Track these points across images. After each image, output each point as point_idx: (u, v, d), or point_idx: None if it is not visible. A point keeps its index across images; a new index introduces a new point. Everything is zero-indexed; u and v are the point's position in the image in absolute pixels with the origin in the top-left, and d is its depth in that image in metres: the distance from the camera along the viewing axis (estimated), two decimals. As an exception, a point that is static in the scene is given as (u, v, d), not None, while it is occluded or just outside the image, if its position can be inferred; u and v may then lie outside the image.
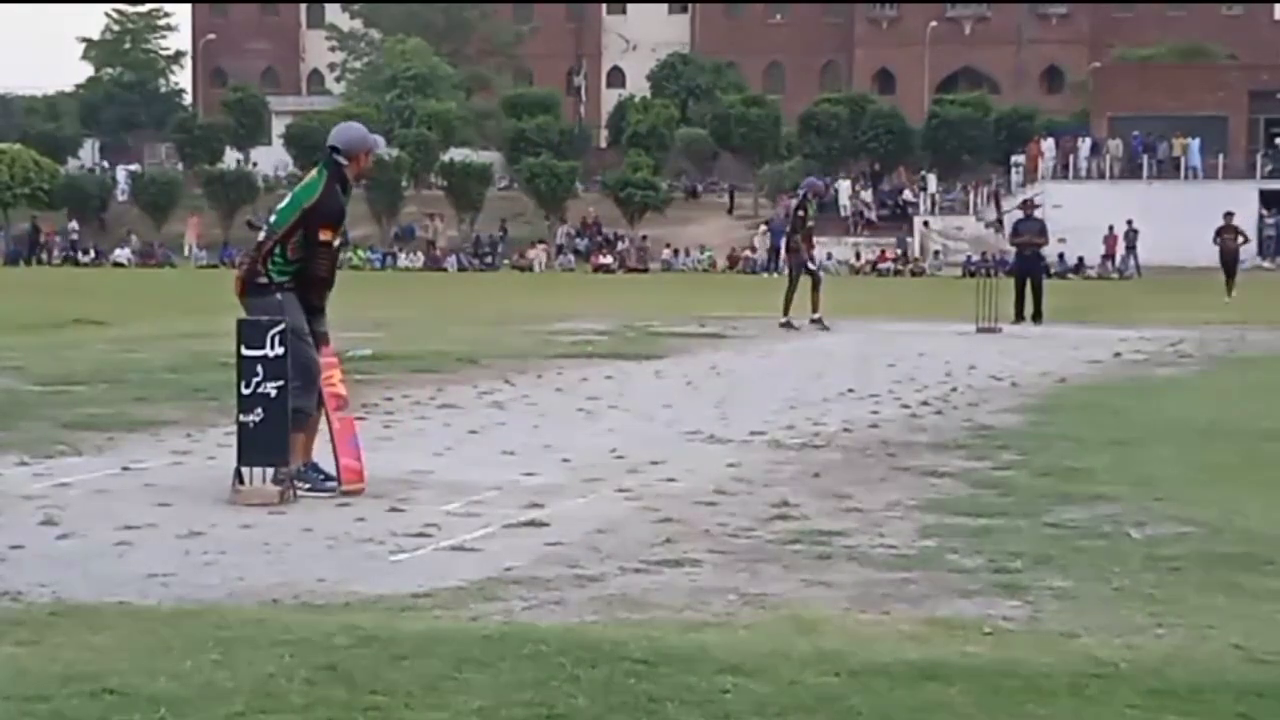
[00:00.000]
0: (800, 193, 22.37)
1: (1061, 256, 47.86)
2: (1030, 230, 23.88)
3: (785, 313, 20.82)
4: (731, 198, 63.40)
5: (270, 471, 7.27)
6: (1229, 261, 32.08)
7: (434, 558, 6.09)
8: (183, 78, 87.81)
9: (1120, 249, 50.35)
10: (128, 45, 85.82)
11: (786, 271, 22.04)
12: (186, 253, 58.02)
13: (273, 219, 7.78)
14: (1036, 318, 22.54)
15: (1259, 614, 5.22)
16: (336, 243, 7.79)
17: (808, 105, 63.03)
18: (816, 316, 20.92)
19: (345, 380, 8.15)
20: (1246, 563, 6.01)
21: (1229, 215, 32.49)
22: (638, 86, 73.68)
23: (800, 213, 21.58)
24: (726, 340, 18.97)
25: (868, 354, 16.79)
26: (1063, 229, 48.05)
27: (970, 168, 59.47)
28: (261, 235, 7.81)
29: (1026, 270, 23.52)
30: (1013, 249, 24.99)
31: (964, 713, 4.10)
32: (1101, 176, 54.10)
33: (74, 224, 59.47)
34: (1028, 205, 25.48)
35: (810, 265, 21.32)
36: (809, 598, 5.45)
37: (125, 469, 8.18)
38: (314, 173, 7.83)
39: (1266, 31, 78.10)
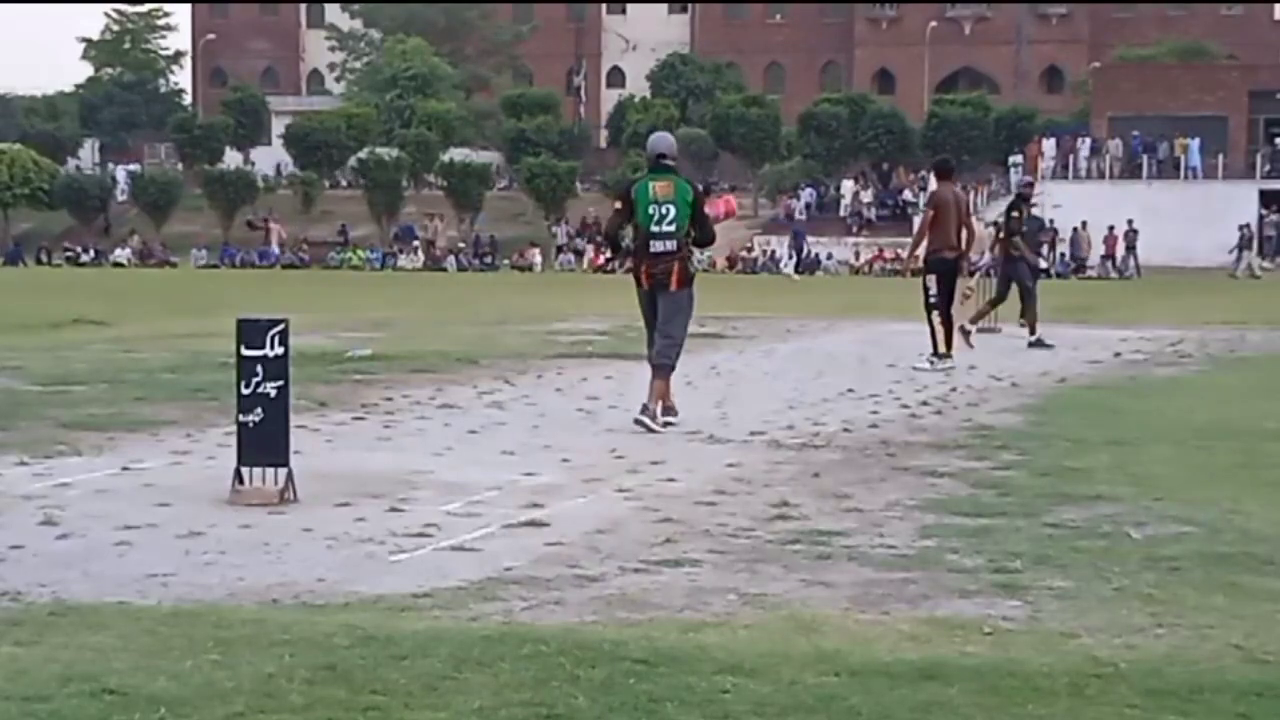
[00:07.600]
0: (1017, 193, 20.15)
1: (1062, 256, 47.82)
2: (1033, 227, 23.59)
3: (1032, 331, 17.88)
4: (708, 190, 63.29)
5: (274, 472, 7.28)
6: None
7: (434, 558, 6.09)
8: (183, 78, 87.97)
9: (1120, 249, 50.35)
10: (128, 45, 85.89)
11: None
12: (280, 253, 56.47)
13: (673, 226, 9.98)
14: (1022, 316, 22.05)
15: (1259, 614, 5.22)
16: None
17: (807, 105, 62.97)
18: (1035, 336, 18.05)
19: None
20: (1246, 563, 6.01)
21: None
22: (637, 86, 73.71)
23: (1015, 213, 18.83)
24: (726, 340, 18.95)
25: (868, 354, 16.79)
26: (1063, 229, 48.01)
27: (970, 168, 59.41)
28: (670, 245, 10.02)
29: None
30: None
31: (964, 713, 4.10)
32: (1101, 176, 54.06)
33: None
34: (1028, 188, 24.25)
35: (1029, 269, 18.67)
36: (809, 598, 5.45)
37: (125, 469, 8.18)
38: (673, 179, 10.10)
39: (1266, 31, 78.05)
